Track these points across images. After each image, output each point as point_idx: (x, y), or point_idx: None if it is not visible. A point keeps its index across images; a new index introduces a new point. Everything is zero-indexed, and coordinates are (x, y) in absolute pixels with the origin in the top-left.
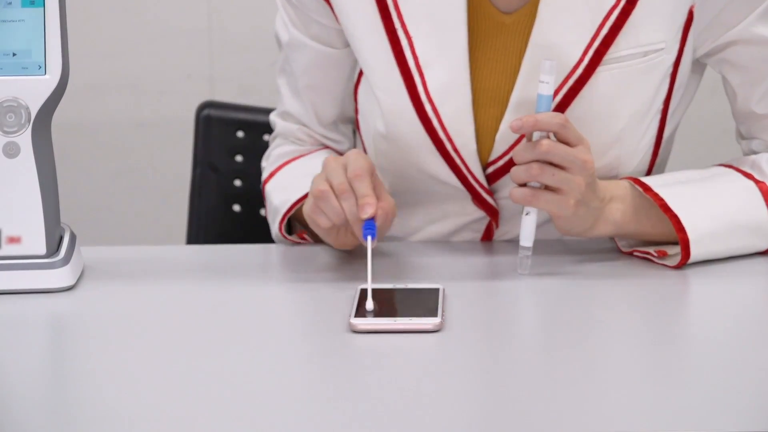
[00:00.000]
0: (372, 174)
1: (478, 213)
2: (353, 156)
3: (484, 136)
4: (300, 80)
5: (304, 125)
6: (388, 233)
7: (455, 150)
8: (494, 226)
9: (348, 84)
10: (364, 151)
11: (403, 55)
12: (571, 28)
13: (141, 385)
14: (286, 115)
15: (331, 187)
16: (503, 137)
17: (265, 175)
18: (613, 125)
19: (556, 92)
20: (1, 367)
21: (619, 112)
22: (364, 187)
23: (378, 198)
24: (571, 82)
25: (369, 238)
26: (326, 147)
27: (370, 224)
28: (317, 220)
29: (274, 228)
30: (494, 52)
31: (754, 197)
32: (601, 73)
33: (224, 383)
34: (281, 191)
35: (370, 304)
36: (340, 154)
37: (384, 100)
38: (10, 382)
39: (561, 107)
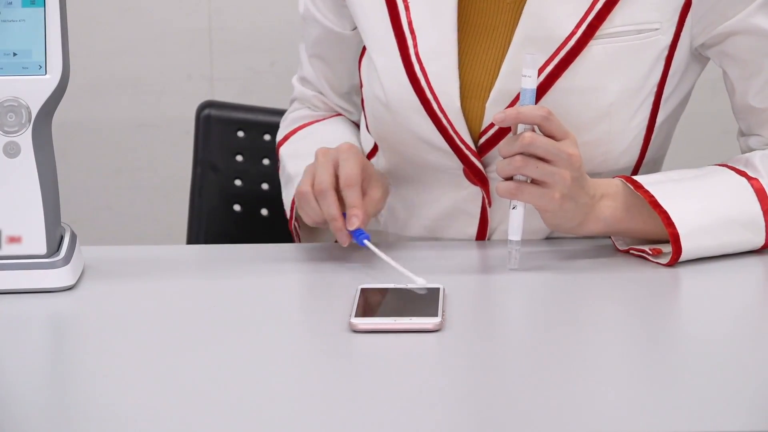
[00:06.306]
0: (363, 170)
1: (471, 187)
2: (344, 155)
3: (474, 104)
4: (309, 50)
5: (320, 92)
6: (390, 229)
7: (441, 109)
8: (487, 204)
9: (354, 62)
10: (366, 124)
11: (398, 19)
12: (566, 0)
13: (141, 384)
14: (304, 81)
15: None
16: (494, 103)
17: (280, 137)
18: (603, 99)
19: (547, 62)
20: (1, 367)
21: (608, 86)
22: (353, 198)
23: (365, 192)
24: (562, 53)
25: (366, 241)
26: (340, 114)
27: (359, 231)
28: (302, 217)
29: (286, 195)
30: (489, 23)
31: (746, 193)
32: (594, 46)
33: (224, 383)
34: (295, 158)
35: (421, 279)
36: (357, 124)
37: (379, 62)
38: (10, 382)
39: (551, 78)
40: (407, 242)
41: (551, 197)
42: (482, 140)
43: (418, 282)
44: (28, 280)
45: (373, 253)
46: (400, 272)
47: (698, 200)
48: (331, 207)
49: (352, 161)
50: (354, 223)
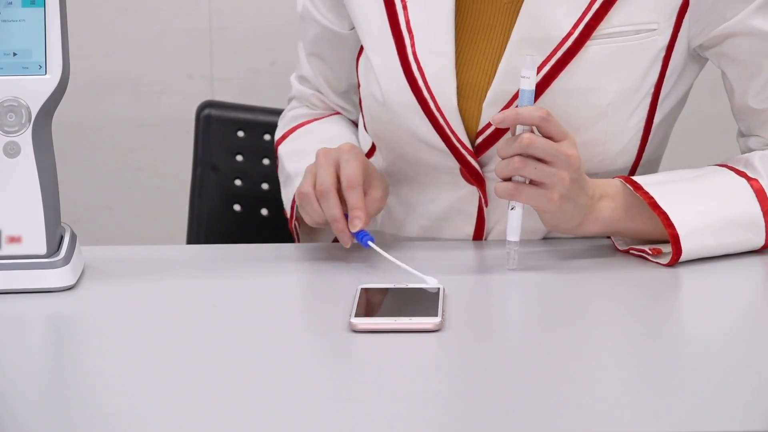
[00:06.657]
0: (365, 170)
1: (468, 187)
2: (345, 156)
3: (471, 104)
4: (307, 48)
5: (319, 91)
6: (387, 229)
7: (438, 109)
8: (484, 204)
9: (352, 61)
10: (363, 123)
11: (396, 18)
12: (564, 0)
13: (141, 384)
14: (302, 80)
15: (314, 187)
16: (491, 104)
17: (278, 136)
18: (600, 99)
19: (544, 63)
20: (1, 367)
21: (605, 87)
22: (354, 199)
23: (366, 192)
24: (559, 54)
25: (370, 243)
26: (338, 113)
27: (363, 233)
28: (304, 217)
29: (285, 194)
30: (486, 24)
31: (746, 193)
32: (591, 47)
33: (224, 383)
34: (294, 157)
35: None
36: (355, 123)
37: (376, 62)
38: (10, 382)
39: (548, 79)
40: (406, 242)
41: (550, 198)
42: (479, 140)
43: (430, 282)
44: (28, 280)
45: (374, 253)
46: (411, 273)
47: (698, 201)
48: (333, 208)
49: (353, 162)
50: (357, 225)
